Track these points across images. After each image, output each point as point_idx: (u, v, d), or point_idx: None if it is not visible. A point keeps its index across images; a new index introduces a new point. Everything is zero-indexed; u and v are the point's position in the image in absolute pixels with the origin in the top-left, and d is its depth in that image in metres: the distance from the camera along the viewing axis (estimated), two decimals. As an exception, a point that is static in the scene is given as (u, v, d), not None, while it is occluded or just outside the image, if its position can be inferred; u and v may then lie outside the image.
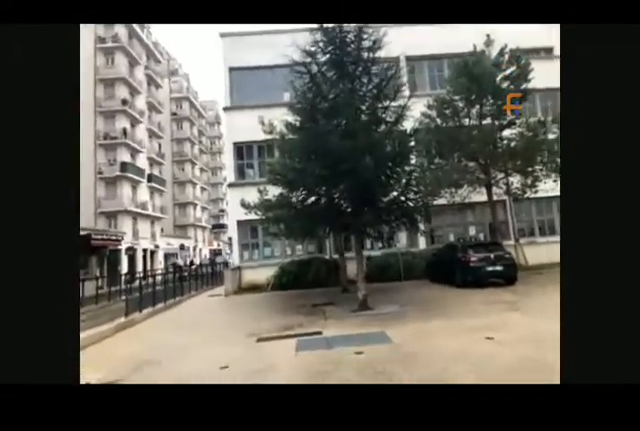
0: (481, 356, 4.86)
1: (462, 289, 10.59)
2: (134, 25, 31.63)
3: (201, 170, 53.63)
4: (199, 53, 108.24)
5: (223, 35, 16.20)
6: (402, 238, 15.90)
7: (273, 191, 11.06)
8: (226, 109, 16.31)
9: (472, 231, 16.57)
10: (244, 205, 12.47)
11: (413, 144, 8.79)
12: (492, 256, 10.66)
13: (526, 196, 12.65)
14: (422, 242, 15.93)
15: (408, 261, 14.16)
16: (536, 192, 12.39)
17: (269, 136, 12.36)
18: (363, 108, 8.65)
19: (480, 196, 13.91)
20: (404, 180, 8.46)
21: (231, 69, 16.16)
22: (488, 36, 13.10)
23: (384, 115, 8.40)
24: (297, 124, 9.08)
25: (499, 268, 10.51)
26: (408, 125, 8.97)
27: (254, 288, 14.73)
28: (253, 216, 13.23)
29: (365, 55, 8.51)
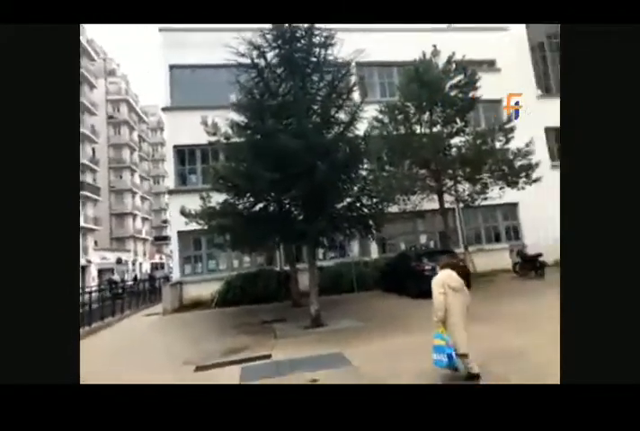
0: (452, 380, 4.31)
1: (418, 300, 10.21)
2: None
3: (142, 178, 50.33)
4: (141, 53, 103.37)
5: (162, 29, 14.97)
6: (354, 247, 15.47)
7: (217, 198, 10.06)
8: (165, 109, 15.01)
9: (423, 239, 16.53)
10: (184, 213, 11.27)
11: (366, 147, 8.29)
12: (446, 264, 10.40)
13: (477, 203, 12.70)
14: (374, 251, 15.58)
15: (361, 271, 13.65)
16: (485, 199, 12.49)
17: (212, 138, 11.35)
18: (315, 107, 8.05)
19: (430, 204, 13.86)
20: (358, 185, 7.90)
21: (172, 67, 14.96)
22: (435, 46, 13.23)
23: (337, 115, 7.83)
24: (244, 123, 8.24)
25: (454, 276, 10.26)
26: (361, 127, 8.49)
27: (197, 305, 13.43)
28: (195, 226, 12.08)
29: (316, 51, 7.94)
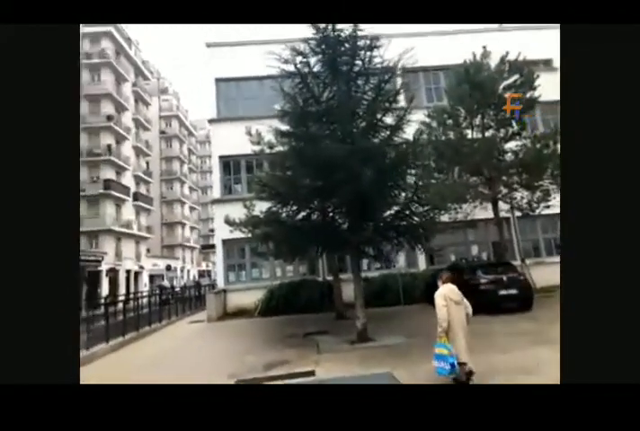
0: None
1: (473, 316, 9.44)
2: (122, 42, 31.20)
3: (191, 189, 52.50)
4: (191, 71, 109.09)
5: (209, 45, 15.48)
6: (400, 258, 14.83)
7: (262, 207, 10.00)
8: (212, 121, 15.39)
9: (474, 250, 15.55)
10: (228, 222, 11.35)
11: (415, 153, 7.81)
12: (504, 278, 9.55)
13: (537, 212, 11.69)
14: (421, 262, 14.86)
15: (408, 283, 12.98)
16: (547, 207, 11.47)
17: (256, 148, 11.39)
18: (360, 112, 7.73)
19: (482, 213, 13.00)
20: (408, 193, 7.43)
21: (218, 80, 15.35)
22: (484, 47, 12.53)
23: (384, 118, 7.45)
24: (287, 131, 8.09)
25: (513, 291, 9.37)
26: (409, 132, 8.05)
27: (241, 313, 13.41)
28: (239, 235, 12.15)
29: (361, 53, 7.66)
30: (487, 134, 11.88)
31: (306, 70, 7.76)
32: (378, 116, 7.36)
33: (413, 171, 7.81)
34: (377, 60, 7.68)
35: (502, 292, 9.34)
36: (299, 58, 7.77)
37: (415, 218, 7.55)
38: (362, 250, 8.32)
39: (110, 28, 28.81)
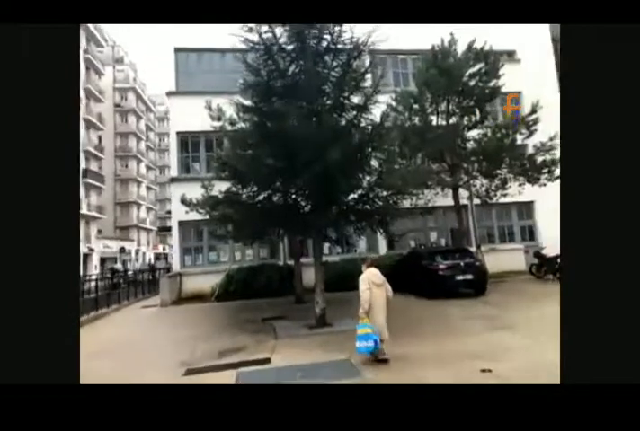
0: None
1: (430, 300, 9.60)
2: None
3: (148, 167, 49.99)
4: (148, 39, 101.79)
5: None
6: (360, 242, 14.85)
7: (221, 187, 9.49)
8: (170, 94, 14.39)
9: (433, 236, 15.87)
10: (184, 202, 10.73)
11: (381, 135, 7.60)
12: (461, 264, 9.76)
13: (495, 200, 11.99)
14: (382, 247, 14.97)
15: (368, 268, 13.02)
16: (504, 195, 11.78)
17: (217, 123, 10.74)
18: (327, 89, 7.38)
19: (442, 199, 13.19)
20: (373, 176, 7.25)
21: (177, 50, 14.32)
22: (452, 35, 12.44)
23: (351, 96, 7.15)
24: (250, 105, 7.59)
25: (469, 276, 9.60)
26: (376, 113, 7.80)
27: (197, 298, 12.92)
28: (197, 216, 11.55)
29: (330, 27, 7.25)
30: (451, 121, 11.93)
31: (272, 41, 7.26)
32: (346, 94, 7.05)
33: (377, 154, 7.62)
34: (346, 36, 7.31)
35: (460, 277, 9.56)
36: (265, 28, 7.25)
37: (379, 202, 7.41)
38: (325, 234, 8.12)
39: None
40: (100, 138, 36.26)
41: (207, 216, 10.73)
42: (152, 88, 55.93)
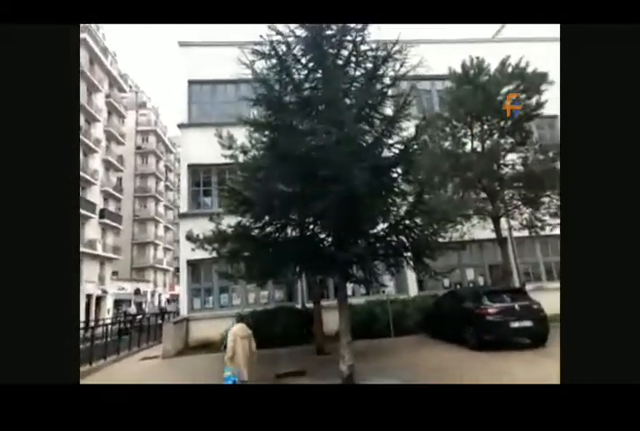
0: None
1: (477, 352, 7.84)
2: (97, 51, 29.78)
3: (166, 207, 50.15)
4: (163, 73, 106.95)
5: (182, 44, 14.15)
6: (387, 282, 13.22)
7: (231, 221, 8.34)
8: (181, 126, 13.83)
9: (469, 274, 14.12)
10: (190, 238, 9.59)
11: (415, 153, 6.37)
12: (516, 307, 8.03)
13: (547, 230, 10.37)
14: (412, 288, 13.29)
15: (398, 312, 11.32)
16: (557, 226, 10.17)
17: (228, 152, 9.84)
18: (348, 101, 6.31)
19: (478, 232, 11.69)
20: (409, 202, 5.91)
21: (190, 82, 13.95)
22: (478, 58, 11.57)
23: (379, 106, 6.03)
24: (262, 120, 6.57)
25: (528, 323, 7.80)
26: (403, 134, 6.64)
27: (205, 346, 11.41)
28: (207, 255, 10.36)
29: (350, 33, 6.33)
30: (486, 144, 10.72)
31: (285, 50, 6.37)
32: (374, 102, 5.91)
33: (412, 176, 6.37)
34: (368, 41, 6.38)
35: (515, 324, 7.78)
36: (277, 38, 6.40)
37: (416, 232, 6.01)
38: (349, 272, 6.72)
39: (84, 35, 27.40)
40: (120, 180, 36.58)
41: (214, 254, 9.55)
42: (173, 130, 57.72)
